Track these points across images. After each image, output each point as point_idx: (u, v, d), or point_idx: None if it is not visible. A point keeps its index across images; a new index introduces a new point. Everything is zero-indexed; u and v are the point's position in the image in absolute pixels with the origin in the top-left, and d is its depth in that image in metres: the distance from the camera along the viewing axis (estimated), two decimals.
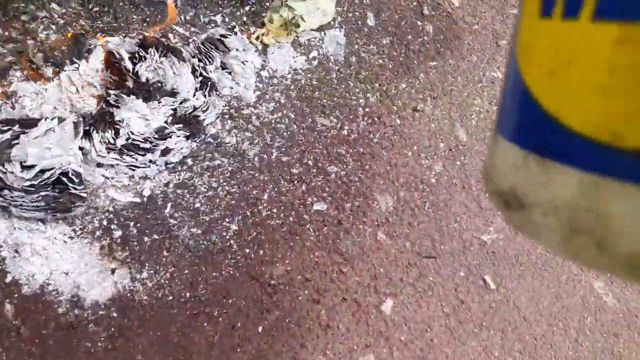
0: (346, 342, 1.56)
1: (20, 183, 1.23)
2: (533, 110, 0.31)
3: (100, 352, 1.30)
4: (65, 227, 1.32)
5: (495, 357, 1.79)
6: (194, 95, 1.49)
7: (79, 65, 1.41)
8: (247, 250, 1.49)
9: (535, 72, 0.30)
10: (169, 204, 1.44)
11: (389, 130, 1.81)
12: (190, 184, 1.48)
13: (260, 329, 1.45)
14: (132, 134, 1.39)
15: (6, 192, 1.24)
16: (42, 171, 1.27)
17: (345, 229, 1.64)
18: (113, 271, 1.34)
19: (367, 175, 1.73)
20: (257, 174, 1.56)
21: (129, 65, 1.41)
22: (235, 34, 1.61)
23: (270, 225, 1.54)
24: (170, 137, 1.44)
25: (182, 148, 1.47)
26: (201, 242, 1.45)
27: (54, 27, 1.40)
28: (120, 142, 1.37)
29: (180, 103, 1.46)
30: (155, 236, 1.41)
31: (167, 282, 1.39)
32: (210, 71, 1.54)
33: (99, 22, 1.46)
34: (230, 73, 1.59)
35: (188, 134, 1.47)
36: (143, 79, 1.42)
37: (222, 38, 1.55)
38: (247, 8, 1.65)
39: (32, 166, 1.25)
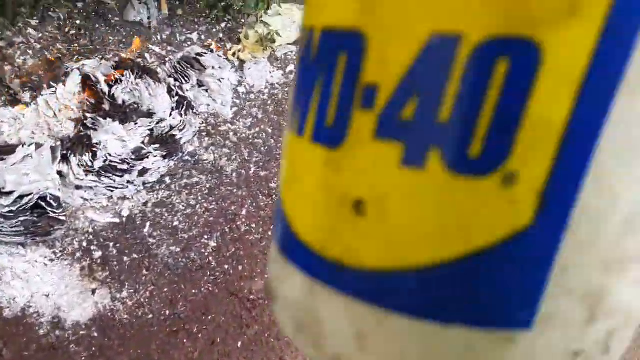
0: None
1: None
2: (279, 208, 0.35)
3: None
4: (46, 250, 1.40)
5: None
6: (171, 114, 1.56)
7: (56, 89, 1.48)
8: (226, 267, 1.58)
9: (283, 177, 0.34)
10: (148, 223, 1.52)
11: None
12: (168, 203, 1.56)
13: (239, 344, 1.54)
14: (110, 155, 1.46)
15: None
16: (21, 197, 1.35)
17: None
18: (94, 291, 1.42)
19: None
20: (235, 190, 1.64)
21: (105, 88, 1.49)
22: (212, 51, 1.69)
23: (249, 241, 1.63)
24: (147, 157, 1.52)
25: (159, 167, 1.55)
26: (180, 259, 1.53)
27: (30, 52, 1.47)
28: (98, 164, 1.45)
29: (157, 123, 1.54)
30: (135, 255, 1.49)
31: (147, 300, 1.47)
32: (187, 90, 1.61)
33: (76, 44, 1.53)
34: (207, 90, 1.67)
35: (165, 153, 1.55)
36: (119, 101, 1.49)
37: (197, 57, 1.63)
38: (223, 25, 1.72)
39: (11, 192, 1.33)
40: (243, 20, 1.73)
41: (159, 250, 1.51)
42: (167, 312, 1.48)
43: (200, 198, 1.59)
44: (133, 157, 1.49)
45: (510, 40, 0.24)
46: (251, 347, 1.55)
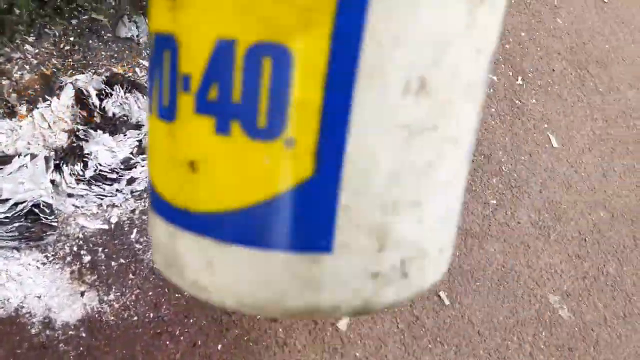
0: (302, 359, 1.80)
1: None
2: (148, 176, 0.47)
3: None
4: (39, 254, 1.56)
5: None
6: None
7: (50, 102, 1.64)
8: None
9: (148, 149, 0.47)
10: (135, 230, 1.68)
11: None
12: None
13: (219, 346, 1.69)
14: (100, 165, 1.62)
15: None
16: (16, 204, 1.50)
17: None
18: (82, 294, 1.58)
19: None
20: None
21: (97, 102, 1.65)
22: None
23: None
24: (136, 166, 1.68)
25: (146, 176, 1.71)
26: None
27: (27, 67, 1.63)
28: (89, 173, 1.61)
29: (145, 135, 1.70)
30: (122, 260, 1.65)
31: (132, 303, 1.62)
32: None
33: (70, 60, 1.69)
34: None
35: None
36: (110, 114, 1.65)
37: None
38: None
39: (7, 200, 1.48)
40: None
41: (145, 256, 1.66)
42: (152, 315, 1.64)
43: None
44: (122, 166, 1.65)
45: (269, 45, 0.35)
46: (231, 350, 1.71)
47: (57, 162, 1.59)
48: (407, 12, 0.35)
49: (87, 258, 1.61)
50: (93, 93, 1.65)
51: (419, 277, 0.43)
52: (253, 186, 0.38)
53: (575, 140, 2.59)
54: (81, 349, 1.55)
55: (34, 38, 1.65)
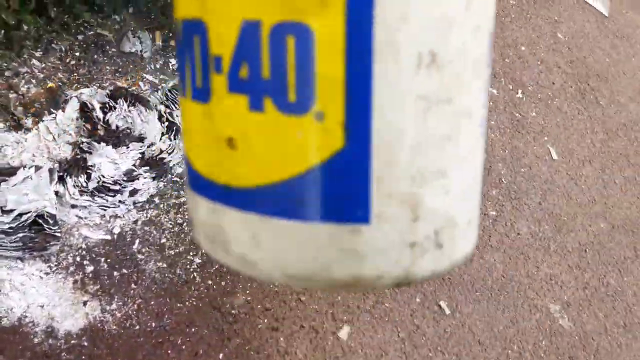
0: None
1: (0, 226, 1.45)
2: (184, 155, 0.48)
3: None
4: (42, 264, 1.54)
5: None
6: (161, 139, 1.71)
7: (56, 115, 1.63)
8: (210, 282, 1.71)
9: (183, 133, 0.48)
10: (137, 240, 1.66)
11: None
12: (157, 221, 1.70)
13: (221, 355, 1.67)
14: (103, 177, 1.61)
15: None
16: (20, 215, 1.49)
17: None
18: (85, 303, 1.56)
19: None
20: None
21: (100, 115, 1.64)
22: None
23: None
24: (138, 178, 1.66)
25: (149, 188, 1.69)
26: (166, 275, 1.67)
27: (34, 81, 1.62)
28: (92, 185, 1.60)
29: (148, 147, 1.68)
30: (124, 270, 1.63)
31: (134, 313, 1.60)
32: (177, 116, 1.76)
33: (75, 74, 1.68)
34: None
35: (154, 175, 1.69)
36: (113, 127, 1.64)
37: None
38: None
39: (12, 210, 1.47)
40: None
41: (146, 266, 1.64)
42: (153, 324, 1.61)
43: (187, 217, 1.73)
44: (125, 178, 1.64)
45: (291, 24, 0.37)
46: (233, 359, 1.68)
47: (61, 173, 1.58)
48: None
49: (89, 268, 1.59)
50: (97, 106, 1.64)
51: (452, 248, 0.44)
52: (289, 159, 0.39)
53: (576, 152, 2.55)
54: (83, 358, 1.53)
55: (40, 53, 1.64)
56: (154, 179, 1.69)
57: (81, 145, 1.62)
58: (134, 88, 1.74)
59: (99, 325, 1.57)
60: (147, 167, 1.68)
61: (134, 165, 1.66)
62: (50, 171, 1.56)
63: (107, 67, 1.72)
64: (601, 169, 2.56)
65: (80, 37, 1.70)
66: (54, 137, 1.61)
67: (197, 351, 1.65)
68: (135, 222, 1.67)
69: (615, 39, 2.96)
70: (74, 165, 1.60)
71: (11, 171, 1.51)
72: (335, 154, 0.38)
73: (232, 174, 0.41)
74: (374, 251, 0.40)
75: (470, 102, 0.42)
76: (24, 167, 1.53)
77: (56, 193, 1.57)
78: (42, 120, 1.61)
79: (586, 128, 2.63)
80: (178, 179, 1.75)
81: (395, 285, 0.43)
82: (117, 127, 1.65)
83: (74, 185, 1.58)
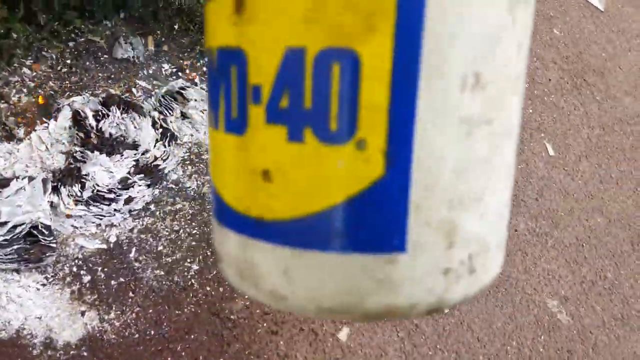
0: None
1: None
2: (213, 188, 0.46)
3: None
4: (38, 276, 1.49)
5: None
6: (155, 145, 1.65)
7: (48, 124, 1.57)
8: (208, 288, 1.66)
9: (211, 164, 0.46)
10: (134, 249, 1.61)
11: None
12: (153, 229, 1.64)
13: None
14: (97, 186, 1.55)
15: None
16: (15, 226, 1.43)
17: None
18: (83, 313, 1.51)
19: None
20: None
21: (93, 123, 1.58)
22: (195, 84, 1.77)
23: None
24: (133, 186, 1.60)
25: (144, 196, 1.63)
26: (164, 282, 1.61)
27: (25, 90, 1.56)
28: (87, 194, 1.54)
29: (142, 154, 1.62)
30: (122, 279, 1.57)
31: (133, 321, 1.55)
32: (171, 122, 1.70)
33: (67, 82, 1.62)
34: (190, 122, 1.75)
35: (149, 182, 1.63)
36: (106, 135, 1.58)
37: (181, 90, 1.72)
38: (206, 59, 1.81)
39: (5, 222, 1.42)
40: None
41: (144, 274, 1.59)
42: (152, 332, 1.56)
43: (183, 223, 1.67)
44: (119, 186, 1.58)
45: (337, 50, 0.35)
46: None
47: (55, 184, 1.52)
48: (461, 11, 0.36)
49: (86, 278, 1.54)
50: (90, 114, 1.58)
51: (484, 272, 0.42)
52: (327, 190, 0.37)
53: (572, 148, 2.49)
54: None
55: (31, 61, 1.58)
56: (149, 186, 1.63)
57: (74, 155, 1.56)
58: (126, 95, 1.67)
59: (97, 335, 1.52)
60: (142, 175, 1.62)
61: (128, 173, 1.60)
62: (44, 181, 1.50)
63: (100, 74, 1.66)
64: (597, 164, 2.50)
65: (71, 44, 1.63)
66: (46, 147, 1.55)
67: (196, 357, 1.60)
68: (132, 230, 1.62)
69: (611, 33, 2.88)
70: (68, 175, 1.54)
71: (4, 183, 1.45)
72: (374, 182, 0.36)
73: (266, 207, 0.39)
74: (408, 280, 0.38)
75: (509, 122, 0.41)
76: (17, 178, 1.47)
77: (50, 203, 1.51)
78: (35, 130, 1.55)
79: (582, 123, 2.56)
80: (173, 186, 1.69)
81: (428, 313, 0.41)
82: (111, 134, 1.59)
83: (68, 195, 1.52)
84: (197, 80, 1.79)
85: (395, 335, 1.92)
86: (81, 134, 1.59)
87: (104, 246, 1.58)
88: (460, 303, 0.42)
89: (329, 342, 1.80)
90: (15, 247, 1.44)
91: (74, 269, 1.54)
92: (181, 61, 1.77)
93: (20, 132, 1.53)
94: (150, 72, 1.73)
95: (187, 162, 1.73)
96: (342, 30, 0.35)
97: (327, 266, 0.38)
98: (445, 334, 2.00)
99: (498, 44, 0.38)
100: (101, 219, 1.58)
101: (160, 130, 1.67)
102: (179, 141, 1.72)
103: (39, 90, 1.58)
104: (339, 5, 0.35)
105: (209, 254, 1.69)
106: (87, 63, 1.65)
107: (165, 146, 1.67)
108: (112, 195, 1.57)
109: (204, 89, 1.77)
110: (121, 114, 1.60)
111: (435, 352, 1.96)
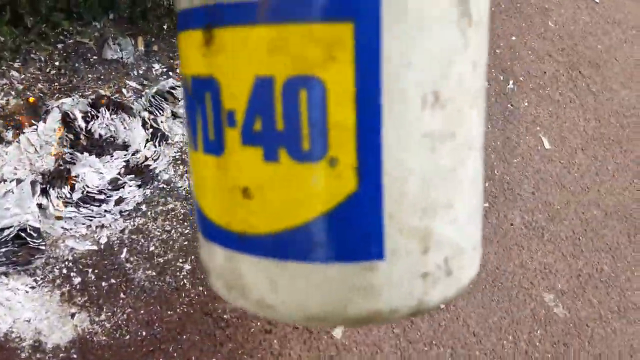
0: None
1: None
2: (196, 206, 0.45)
3: None
4: (27, 278, 1.42)
5: None
6: (145, 146, 1.57)
7: (37, 126, 1.50)
8: (201, 288, 1.59)
9: (194, 184, 0.45)
10: (125, 249, 1.54)
11: None
12: (144, 229, 1.57)
13: None
14: (87, 187, 1.48)
15: None
16: (2, 229, 1.37)
17: None
18: (73, 315, 1.44)
19: None
20: None
21: (82, 124, 1.50)
22: None
23: None
24: (124, 187, 1.53)
25: (135, 196, 1.56)
26: (156, 283, 1.54)
27: (13, 92, 1.49)
28: (77, 195, 1.47)
29: (132, 154, 1.55)
30: (113, 280, 1.50)
31: (124, 322, 1.48)
32: (162, 122, 1.62)
33: (56, 83, 1.55)
34: (181, 121, 1.67)
35: (140, 182, 1.56)
36: (96, 136, 1.51)
37: (171, 90, 1.64)
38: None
39: None
40: None
41: (135, 275, 1.52)
42: (144, 333, 1.50)
43: (175, 223, 1.60)
44: (110, 187, 1.51)
45: (303, 78, 0.35)
46: None
47: (44, 186, 1.45)
48: (413, 37, 0.36)
49: (77, 280, 1.47)
50: (79, 116, 1.50)
51: (460, 274, 0.42)
52: (304, 205, 0.37)
53: (568, 140, 2.38)
54: None
55: (19, 64, 1.50)
56: (139, 186, 1.56)
57: (64, 156, 1.48)
58: (117, 95, 1.60)
59: (88, 337, 1.45)
60: (132, 175, 1.55)
61: (118, 173, 1.53)
62: (33, 184, 1.43)
63: (89, 76, 1.58)
64: (594, 157, 2.39)
65: (59, 45, 1.56)
66: (35, 149, 1.48)
67: (189, 358, 1.53)
68: (122, 231, 1.55)
69: (607, 24, 2.76)
70: (57, 177, 1.47)
71: None
72: (348, 196, 0.37)
73: (248, 222, 0.40)
74: (388, 286, 0.39)
75: (471, 134, 0.41)
76: (5, 180, 1.40)
77: (39, 206, 1.44)
78: (23, 132, 1.48)
79: (578, 116, 2.46)
80: (165, 186, 1.62)
81: (409, 316, 0.41)
82: (100, 135, 1.51)
83: (57, 197, 1.45)
84: None
85: (391, 332, 1.84)
86: (70, 136, 1.52)
87: (95, 247, 1.51)
88: (440, 304, 0.42)
89: (323, 340, 1.72)
90: (3, 250, 1.37)
91: (64, 270, 1.47)
92: (172, 61, 1.69)
93: (9, 134, 1.46)
94: (141, 72, 1.66)
95: (179, 161, 1.65)
96: (306, 60, 0.36)
97: (310, 276, 0.38)
98: (441, 330, 1.92)
99: (452, 64, 0.38)
100: (91, 220, 1.51)
101: (151, 130, 1.60)
102: (170, 141, 1.64)
103: (28, 93, 1.51)
104: (300, 38, 0.36)
105: None
106: (76, 64, 1.58)
107: (156, 146, 1.60)
108: (102, 197, 1.50)
109: None
110: (110, 114, 1.53)
111: (430, 348, 1.88)
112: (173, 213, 1.61)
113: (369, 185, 0.37)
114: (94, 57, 1.60)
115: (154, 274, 1.55)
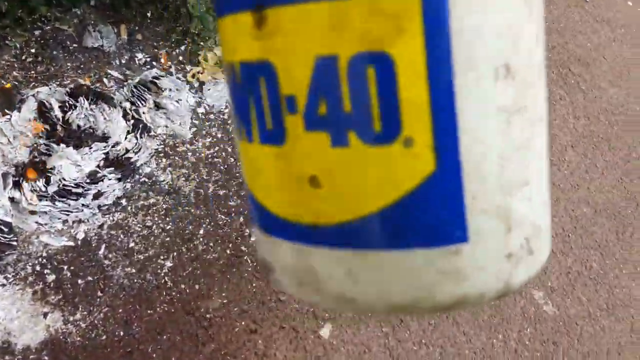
0: None
1: None
2: (252, 200, 0.41)
3: None
4: None
5: None
6: (126, 137, 1.44)
7: (11, 116, 1.36)
8: (183, 286, 1.46)
9: (248, 177, 0.41)
10: (103, 246, 1.40)
11: None
12: (124, 225, 1.43)
13: None
14: (64, 180, 1.34)
15: None
16: None
17: None
18: (45, 315, 1.31)
19: None
20: (193, 210, 1.51)
21: (59, 114, 1.37)
22: (171, 74, 1.56)
23: (207, 260, 1.50)
24: (102, 180, 1.40)
25: (114, 190, 1.42)
26: (136, 280, 1.41)
27: None
28: (52, 189, 1.33)
29: (112, 146, 1.42)
30: (90, 278, 1.37)
31: (100, 322, 1.35)
32: (144, 112, 1.49)
33: (33, 72, 1.41)
34: (165, 112, 1.54)
35: (120, 176, 1.42)
36: (74, 127, 1.37)
37: (154, 80, 1.50)
38: (182, 48, 1.60)
39: None
40: (202, 43, 1.60)
41: (114, 272, 1.39)
42: (122, 333, 1.36)
43: (156, 219, 1.47)
44: (88, 180, 1.37)
45: (369, 54, 0.32)
46: None
47: (17, 178, 1.31)
48: (484, 4, 0.33)
49: (51, 277, 1.34)
50: (56, 105, 1.37)
51: (540, 253, 0.40)
52: (379, 190, 0.34)
53: (558, 138, 2.27)
54: None
55: None
56: (119, 180, 1.42)
57: (39, 147, 1.35)
58: (97, 85, 1.46)
59: (61, 337, 1.31)
60: (112, 168, 1.41)
61: (97, 166, 1.39)
62: (4, 176, 1.29)
63: (68, 64, 1.45)
64: (583, 154, 2.29)
65: (37, 32, 1.42)
66: (9, 140, 1.34)
67: (168, 359, 1.40)
68: (101, 226, 1.41)
69: (596, 23, 2.66)
70: (32, 169, 1.33)
71: None
72: (427, 177, 0.34)
73: (318, 213, 0.36)
74: (475, 269, 0.36)
75: (540, 106, 0.39)
76: None
77: (12, 199, 1.30)
78: None
79: (568, 113, 2.35)
80: (146, 180, 1.48)
81: (495, 299, 0.38)
82: (79, 126, 1.38)
83: (31, 190, 1.32)
84: (172, 70, 1.57)
85: (379, 331, 1.72)
86: (47, 126, 1.38)
87: (71, 243, 1.38)
88: (524, 284, 0.39)
89: (310, 339, 1.60)
90: None
91: (37, 267, 1.34)
92: (156, 50, 1.56)
93: None
94: (123, 61, 1.52)
95: (162, 154, 1.52)
96: (372, 35, 0.32)
97: (392, 264, 0.35)
98: (431, 329, 1.80)
99: (520, 35, 0.35)
100: (68, 215, 1.38)
101: (132, 121, 1.46)
102: (152, 133, 1.51)
103: (2, 81, 1.37)
104: (365, 11, 0.32)
105: (184, 250, 1.48)
106: (55, 52, 1.44)
107: (137, 138, 1.46)
108: (80, 190, 1.37)
109: (179, 79, 1.56)
110: (90, 104, 1.39)
111: (420, 347, 1.77)
112: (154, 208, 1.48)
113: (447, 164, 0.34)
114: (74, 45, 1.46)
115: (133, 271, 1.42)
